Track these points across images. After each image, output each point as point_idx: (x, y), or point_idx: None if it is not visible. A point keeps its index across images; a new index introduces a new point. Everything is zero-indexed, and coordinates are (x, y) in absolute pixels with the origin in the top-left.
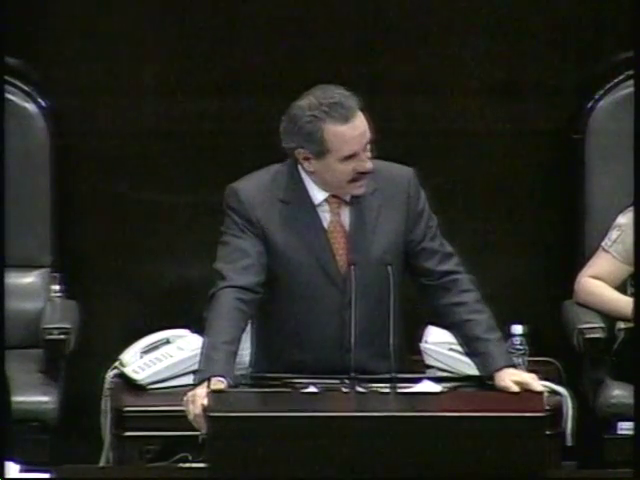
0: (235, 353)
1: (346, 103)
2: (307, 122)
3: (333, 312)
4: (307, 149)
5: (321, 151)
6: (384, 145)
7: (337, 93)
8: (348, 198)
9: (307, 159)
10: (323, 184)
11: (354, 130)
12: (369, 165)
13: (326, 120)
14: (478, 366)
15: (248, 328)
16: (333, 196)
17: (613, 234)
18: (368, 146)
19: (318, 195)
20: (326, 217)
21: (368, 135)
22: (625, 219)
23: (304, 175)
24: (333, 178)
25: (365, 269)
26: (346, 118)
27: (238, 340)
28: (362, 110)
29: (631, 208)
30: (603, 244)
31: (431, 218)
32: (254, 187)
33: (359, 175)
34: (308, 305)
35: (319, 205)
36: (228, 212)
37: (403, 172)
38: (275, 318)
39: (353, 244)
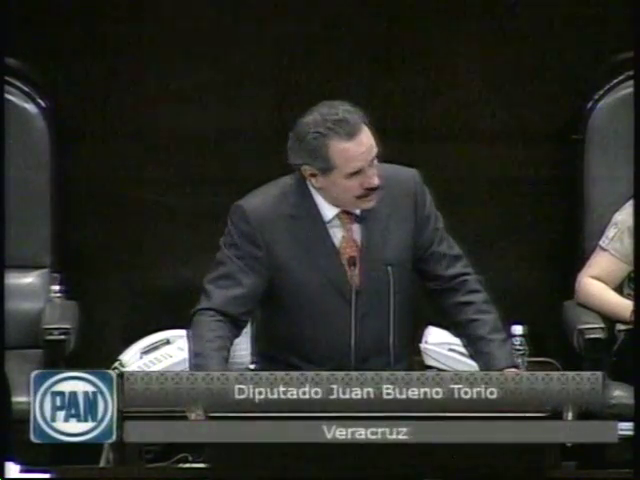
0: (226, 360)
1: (351, 119)
2: (312, 139)
3: (344, 328)
4: (313, 166)
5: (327, 168)
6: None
7: (342, 109)
8: (359, 212)
9: (314, 175)
10: (332, 199)
11: (359, 146)
12: (376, 181)
13: (331, 136)
14: (481, 366)
15: (248, 330)
16: (344, 212)
17: (610, 232)
18: (375, 161)
19: (328, 212)
20: (337, 234)
21: (374, 150)
22: (622, 216)
23: (313, 190)
24: (341, 194)
25: (378, 282)
26: (351, 134)
27: (227, 349)
28: (367, 125)
29: (627, 205)
30: (601, 242)
31: (437, 219)
32: (262, 204)
33: (367, 191)
34: (317, 322)
35: (329, 222)
36: (233, 231)
37: (408, 174)
38: (282, 335)
39: (366, 259)
